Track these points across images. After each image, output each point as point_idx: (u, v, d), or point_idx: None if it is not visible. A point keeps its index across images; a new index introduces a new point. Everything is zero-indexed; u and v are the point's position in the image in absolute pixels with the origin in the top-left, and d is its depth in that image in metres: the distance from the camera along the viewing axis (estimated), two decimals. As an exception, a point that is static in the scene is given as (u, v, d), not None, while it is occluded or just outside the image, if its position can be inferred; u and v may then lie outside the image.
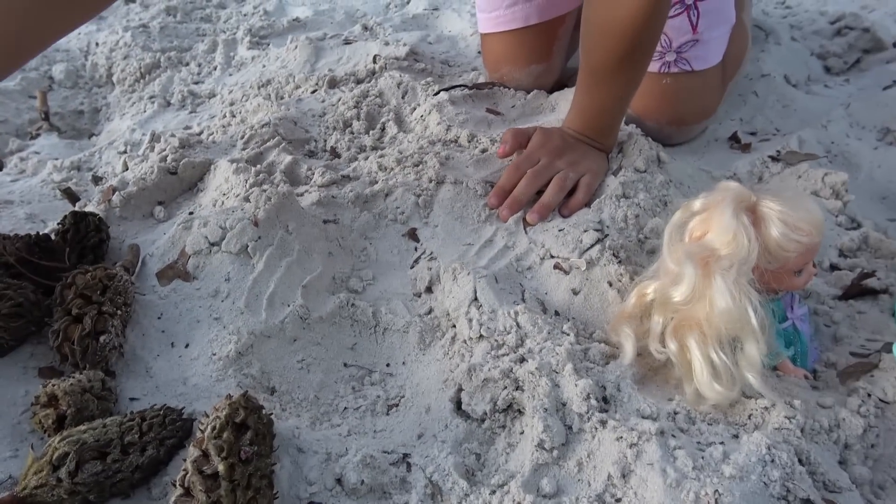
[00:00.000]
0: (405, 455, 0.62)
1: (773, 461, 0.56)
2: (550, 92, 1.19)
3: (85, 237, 0.82)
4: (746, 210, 0.64)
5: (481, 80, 1.26)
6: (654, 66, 1.06)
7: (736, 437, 0.60)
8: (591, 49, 0.87)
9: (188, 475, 0.53)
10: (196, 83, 1.42)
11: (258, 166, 0.95)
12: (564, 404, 0.63)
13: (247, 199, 0.86)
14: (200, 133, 1.12)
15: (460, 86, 1.20)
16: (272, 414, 0.62)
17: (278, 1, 1.75)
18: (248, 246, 0.79)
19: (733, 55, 1.13)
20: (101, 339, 0.67)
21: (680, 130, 1.10)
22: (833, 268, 0.83)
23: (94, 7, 0.70)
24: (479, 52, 1.43)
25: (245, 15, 1.71)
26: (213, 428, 0.55)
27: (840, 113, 1.13)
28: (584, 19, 0.87)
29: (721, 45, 1.08)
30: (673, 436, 0.59)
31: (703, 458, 0.56)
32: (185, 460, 0.55)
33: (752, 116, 1.18)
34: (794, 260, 0.65)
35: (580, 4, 1.19)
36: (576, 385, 0.63)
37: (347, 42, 1.45)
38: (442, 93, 1.15)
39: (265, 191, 0.85)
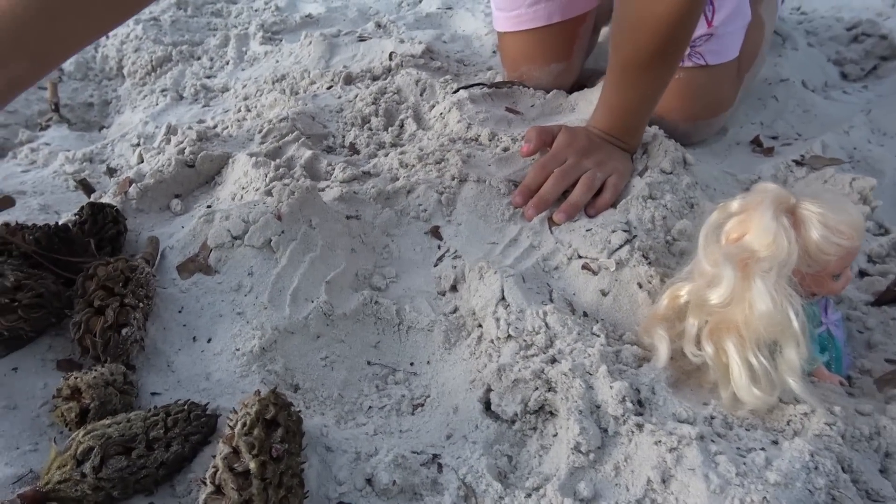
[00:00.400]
0: (435, 456, 0.61)
1: (816, 468, 0.54)
2: (570, 92, 1.18)
3: (102, 228, 0.80)
4: (786, 212, 0.63)
5: (499, 79, 1.25)
6: None
7: (776, 443, 0.59)
8: (621, 45, 0.86)
9: (219, 472, 0.52)
10: (208, 77, 1.40)
11: (277, 160, 0.94)
12: (599, 406, 0.62)
13: (268, 193, 0.84)
14: (215, 127, 1.10)
15: (479, 84, 1.19)
16: (300, 411, 0.60)
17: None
18: (271, 240, 0.77)
19: (748, 50, 1.11)
20: (124, 331, 0.65)
21: (696, 126, 1.08)
22: (863, 274, 0.82)
23: (130, 9, 0.69)
24: (494, 52, 1.42)
25: (256, 10, 1.69)
26: (244, 424, 0.53)
27: (861, 119, 1.13)
28: (617, 15, 0.86)
29: (737, 40, 1.07)
30: (712, 441, 0.57)
31: (745, 464, 0.55)
32: (213, 457, 0.54)
33: (772, 121, 1.17)
34: (834, 264, 0.64)
35: (600, 2, 1.19)
36: (611, 387, 0.62)
37: (362, 39, 1.44)
38: (461, 91, 1.14)
39: (288, 185, 0.83)
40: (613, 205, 0.87)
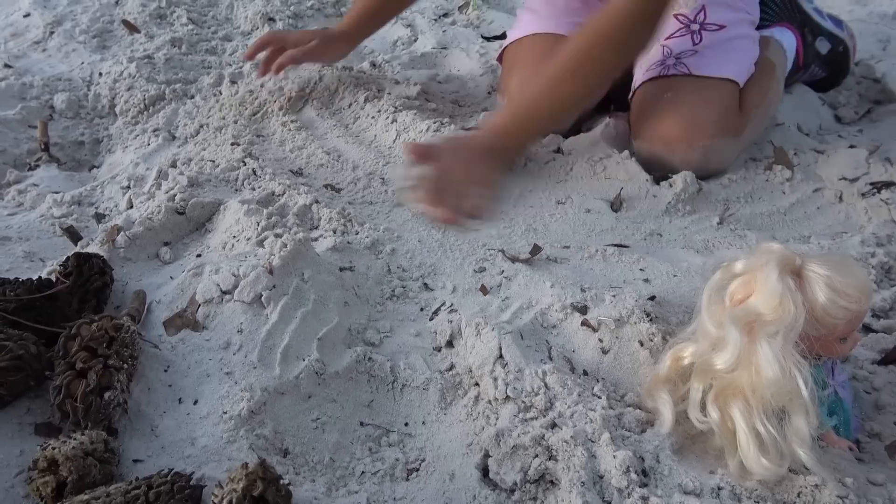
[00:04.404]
0: (431, 530, 0.58)
1: (830, 547, 0.52)
2: (566, 136, 1.17)
3: (88, 280, 0.77)
4: (791, 273, 0.62)
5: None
6: (653, 72, 1.09)
7: (786, 517, 0.56)
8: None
9: (202, 557, 0.49)
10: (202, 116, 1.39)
11: (270, 208, 0.92)
12: (602, 477, 0.59)
13: (259, 244, 0.82)
14: (208, 169, 1.09)
15: (473, 129, 1.18)
16: (289, 484, 0.57)
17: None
18: (261, 295, 0.75)
19: (757, 85, 1.12)
20: (106, 395, 0.62)
21: (705, 152, 1.04)
22: (867, 329, 0.80)
23: None
24: (489, 93, 1.42)
25: (252, 48, 1.69)
26: (230, 502, 0.51)
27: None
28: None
29: (728, 62, 1.08)
30: (721, 516, 0.55)
31: (755, 542, 0.53)
32: (197, 538, 0.51)
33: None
34: (842, 327, 0.62)
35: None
36: (614, 457, 0.59)
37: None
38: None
39: (280, 236, 0.82)
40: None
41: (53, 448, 0.57)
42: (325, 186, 1.05)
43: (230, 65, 1.59)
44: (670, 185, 1.02)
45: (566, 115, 1.01)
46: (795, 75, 1.31)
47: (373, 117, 1.25)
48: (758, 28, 1.27)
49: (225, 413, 0.66)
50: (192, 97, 1.46)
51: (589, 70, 0.93)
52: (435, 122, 1.17)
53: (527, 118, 0.94)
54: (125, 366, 0.65)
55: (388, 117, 1.23)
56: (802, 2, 1.32)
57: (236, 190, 1.00)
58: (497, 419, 0.68)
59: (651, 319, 0.75)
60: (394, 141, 1.17)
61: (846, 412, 0.67)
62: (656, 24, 0.92)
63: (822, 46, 1.33)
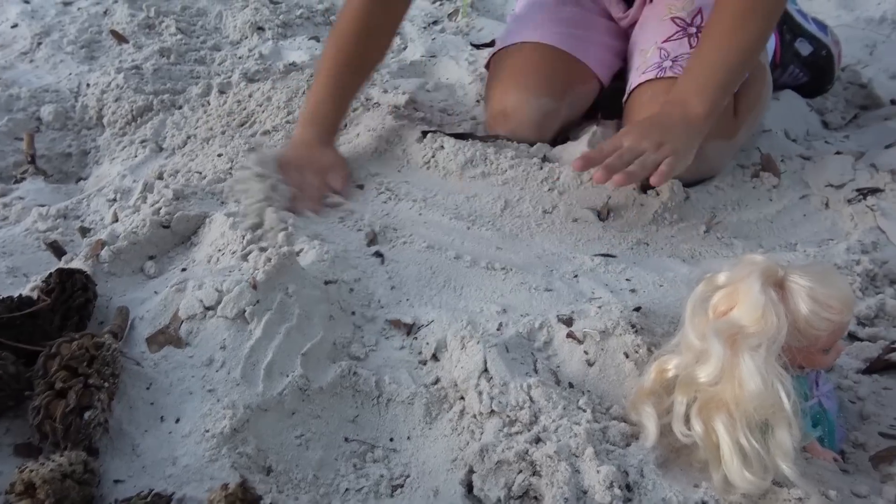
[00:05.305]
0: (414, 548, 0.58)
1: (814, 562, 0.52)
2: (553, 144, 1.17)
3: (71, 297, 0.77)
4: (774, 285, 0.62)
5: (481, 129, 1.24)
6: (650, 74, 1.09)
7: (770, 531, 0.56)
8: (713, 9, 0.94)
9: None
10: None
11: (256, 220, 0.91)
12: (586, 492, 0.59)
13: (244, 258, 0.82)
14: (194, 181, 1.08)
15: (461, 135, 1.17)
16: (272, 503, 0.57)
17: (274, 44, 1.74)
18: (245, 310, 0.74)
19: (749, 91, 1.12)
20: (86, 415, 0.62)
21: (700, 152, 1.02)
22: (852, 337, 0.80)
23: None
24: (477, 101, 1.41)
25: (240, 58, 1.68)
26: (208, 525, 0.50)
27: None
28: None
29: None
30: (704, 531, 0.55)
31: (739, 557, 0.52)
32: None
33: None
34: (824, 338, 0.62)
35: (608, 81, 1.21)
36: (598, 472, 0.59)
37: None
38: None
39: (265, 250, 0.81)
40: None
41: (31, 471, 0.56)
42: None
43: (219, 74, 1.59)
44: (657, 194, 1.02)
45: (742, 70, 1.01)
46: (773, 74, 1.31)
47: (362, 126, 1.25)
48: None
49: (207, 431, 0.65)
50: (181, 108, 1.46)
51: (746, 25, 0.94)
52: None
53: (707, 81, 0.96)
54: (106, 384, 0.65)
55: (376, 127, 1.23)
56: (786, 2, 1.32)
57: (222, 202, 0.99)
58: (482, 434, 0.67)
59: (636, 331, 0.75)
60: (383, 152, 1.17)
61: (831, 423, 0.67)
62: None
63: (803, 48, 1.33)
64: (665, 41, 1.10)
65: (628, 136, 0.94)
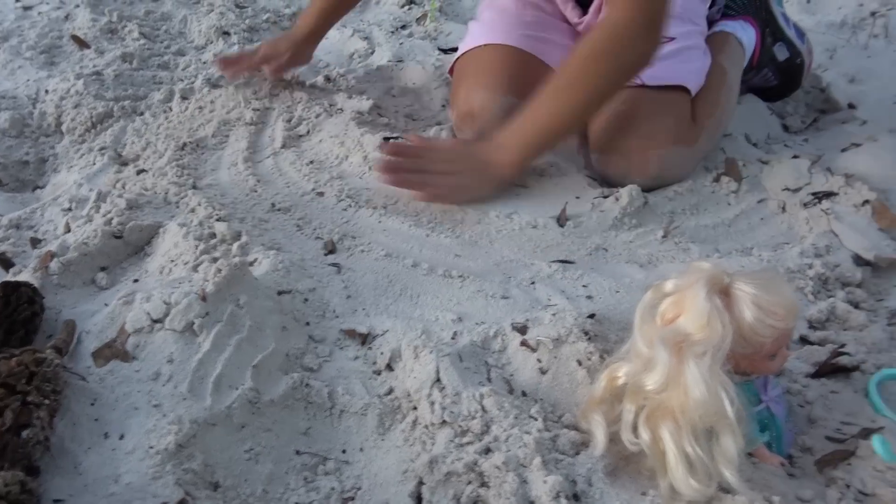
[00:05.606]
0: (360, 563, 0.57)
1: (755, 569, 0.52)
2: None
3: (16, 310, 0.75)
4: (720, 292, 0.62)
5: (445, 134, 1.24)
6: None
7: (715, 538, 0.56)
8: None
9: None
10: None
11: (208, 230, 0.90)
12: (533, 503, 0.59)
13: (196, 269, 0.81)
14: (150, 189, 1.07)
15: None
16: (213, 521, 0.56)
17: (239, 50, 1.72)
18: (194, 323, 0.73)
19: (709, 96, 1.13)
20: (24, 434, 0.60)
21: (660, 161, 1.06)
22: (803, 340, 0.81)
23: None
24: (443, 106, 1.41)
25: (205, 63, 1.66)
26: (143, 546, 0.49)
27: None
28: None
29: (679, 71, 1.10)
30: (649, 540, 0.55)
31: (681, 566, 0.53)
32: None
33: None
34: (769, 345, 0.63)
35: None
36: (545, 482, 0.59)
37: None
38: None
39: (216, 261, 0.80)
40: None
41: (-37, 493, 0.55)
42: (272, 206, 1.04)
43: (182, 80, 1.57)
44: (616, 199, 1.02)
45: (565, 131, 1.04)
46: (747, 75, 1.32)
47: (325, 132, 1.24)
48: (723, 17, 1.29)
49: (151, 447, 0.64)
50: (142, 114, 1.43)
51: (586, 85, 0.97)
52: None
53: (526, 134, 1.01)
54: (47, 401, 0.63)
55: (338, 133, 1.22)
56: (772, 2, 1.33)
57: (176, 212, 0.98)
58: (433, 445, 0.67)
59: (589, 338, 0.75)
60: (344, 159, 1.16)
61: (778, 428, 0.67)
62: (655, 35, 0.95)
63: (780, 53, 1.34)
64: None
65: (436, 150, 1.05)
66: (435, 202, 1.00)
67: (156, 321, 0.73)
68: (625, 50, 0.95)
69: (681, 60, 1.10)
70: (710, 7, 1.27)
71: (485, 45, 1.21)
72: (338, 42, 1.81)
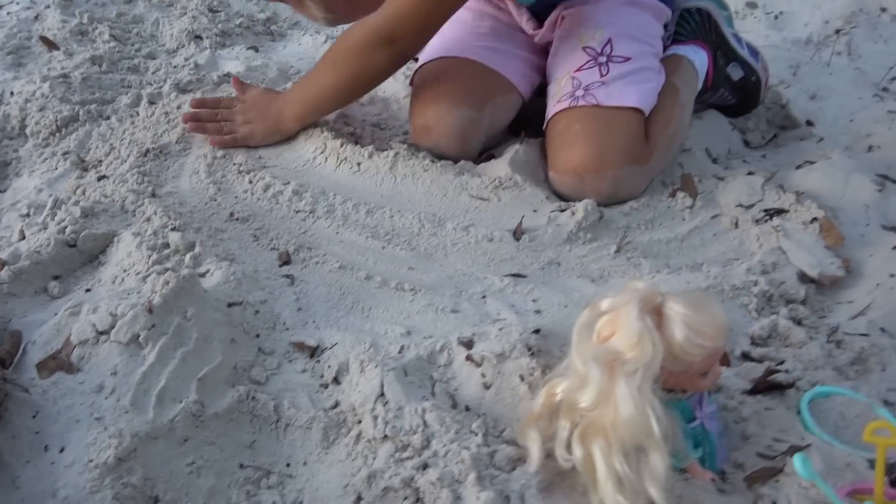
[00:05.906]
0: (293, 577, 0.58)
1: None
2: (477, 162, 1.18)
3: (-39, 321, 0.75)
4: (652, 312, 0.63)
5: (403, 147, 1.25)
6: (564, 104, 1.12)
7: (640, 554, 0.58)
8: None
9: None
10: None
11: (161, 241, 0.90)
12: (465, 518, 0.60)
13: (145, 280, 0.81)
14: (108, 197, 1.06)
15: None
16: (146, 536, 0.56)
17: (211, 54, 1.72)
18: (139, 335, 0.73)
19: (661, 115, 1.15)
20: (-40, 447, 0.60)
21: (615, 182, 1.07)
22: (745, 356, 0.83)
23: None
24: (410, 116, 1.42)
25: (175, 67, 1.66)
26: (69, 563, 0.49)
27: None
28: None
29: (633, 91, 1.12)
30: (575, 556, 0.56)
31: (603, 583, 0.54)
32: None
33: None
34: (699, 363, 0.64)
35: (529, 94, 1.25)
36: (478, 498, 0.60)
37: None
38: None
39: (166, 272, 0.80)
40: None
41: None
42: (230, 215, 1.04)
43: (150, 84, 1.57)
44: (573, 213, 1.04)
45: (332, 106, 1.23)
46: (703, 96, 1.35)
47: (289, 140, 1.25)
48: (673, 43, 1.31)
49: (90, 461, 0.64)
50: (108, 118, 1.43)
51: (344, 72, 1.14)
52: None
53: (305, 97, 1.19)
54: (-15, 414, 0.63)
55: (303, 142, 1.22)
56: (723, 25, 1.36)
57: (132, 221, 0.98)
58: (374, 459, 0.68)
59: (532, 354, 0.76)
60: (309, 168, 1.17)
61: (712, 444, 0.69)
62: (394, 55, 1.10)
63: (735, 73, 1.37)
64: (577, 70, 1.13)
65: (235, 102, 1.25)
66: (224, 146, 1.19)
67: (101, 333, 0.74)
68: (373, 56, 1.10)
69: (635, 80, 1.12)
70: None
71: (440, 58, 1.22)
72: (310, 48, 1.82)
